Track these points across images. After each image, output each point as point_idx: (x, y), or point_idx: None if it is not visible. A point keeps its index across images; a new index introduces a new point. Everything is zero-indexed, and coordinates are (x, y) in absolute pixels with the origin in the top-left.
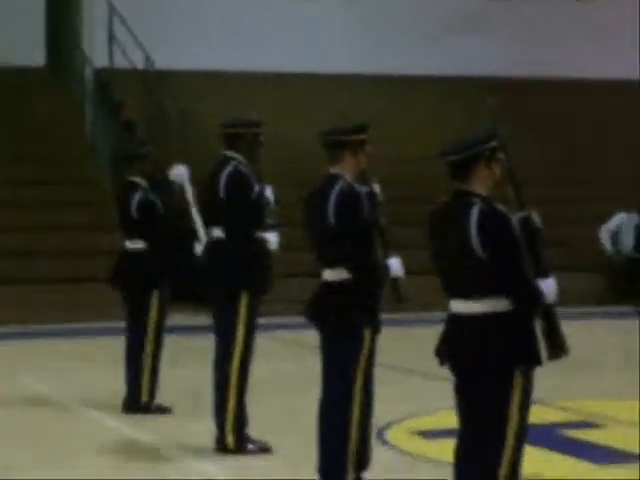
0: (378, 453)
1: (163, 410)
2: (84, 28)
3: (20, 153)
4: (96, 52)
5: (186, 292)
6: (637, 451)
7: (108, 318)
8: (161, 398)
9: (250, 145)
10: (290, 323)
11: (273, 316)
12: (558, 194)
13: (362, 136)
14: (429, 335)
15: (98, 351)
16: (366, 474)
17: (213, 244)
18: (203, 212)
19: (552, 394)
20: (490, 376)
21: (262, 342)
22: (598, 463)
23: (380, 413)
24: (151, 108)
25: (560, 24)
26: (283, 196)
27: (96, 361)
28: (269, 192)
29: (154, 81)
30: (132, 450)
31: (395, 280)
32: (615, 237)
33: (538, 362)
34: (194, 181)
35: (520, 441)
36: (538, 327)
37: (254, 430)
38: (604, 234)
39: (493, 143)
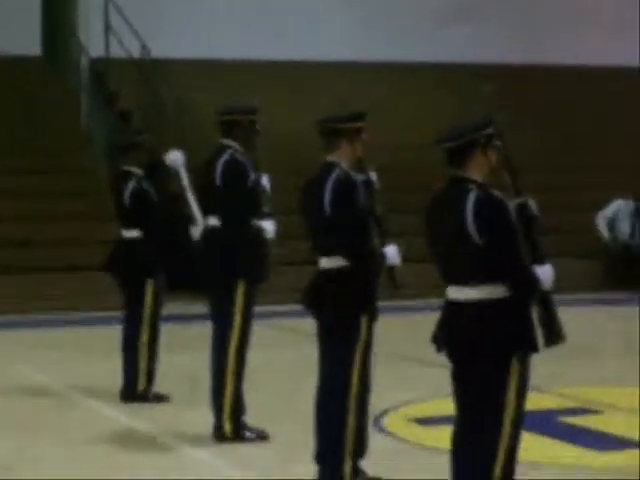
0: (375, 440)
1: (160, 398)
2: (80, 17)
3: (16, 142)
4: (92, 41)
5: (183, 280)
6: (636, 438)
7: (107, 307)
8: (158, 386)
9: (246, 133)
10: (287, 311)
11: (270, 304)
12: (558, 181)
13: (359, 124)
14: (426, 322)
15: (96, 340)
16: (363, 461)
17: (209, 232)
18: (199, 200)
19: (549, 381)
20: (487, 363)
21: (259, 330)
22: (595, 449)
23: (377, 400)
24: (147, 96)
25: (560, 11)
26: (279, 184)
27: (94, 350)
28: (265, 180)
29: (150, 70)
30: (130, 439)
31: (391, 268)
32: (612, 224)
33: (535, 349)
34: (190, 169)
35: (517, 428)
36: (535, 314)
37: (251, 418)
38: (601, 221)
39: (489, 130)
